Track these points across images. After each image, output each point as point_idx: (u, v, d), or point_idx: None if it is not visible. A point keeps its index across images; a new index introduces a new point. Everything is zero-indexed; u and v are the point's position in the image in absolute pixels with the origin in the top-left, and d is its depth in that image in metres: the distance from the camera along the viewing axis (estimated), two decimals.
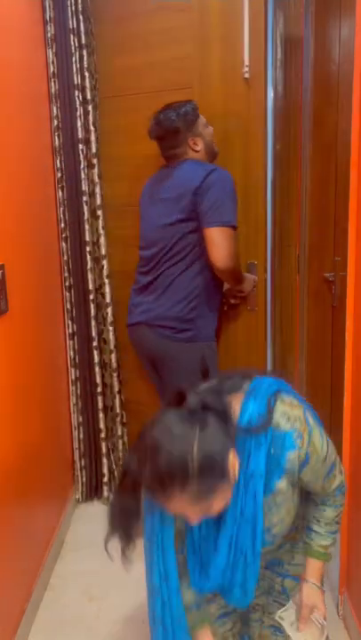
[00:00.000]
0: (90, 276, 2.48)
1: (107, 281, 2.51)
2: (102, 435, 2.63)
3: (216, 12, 2.26)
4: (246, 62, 2.21)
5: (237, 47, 2.26)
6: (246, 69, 2.22)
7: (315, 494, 1.33)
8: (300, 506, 1.30)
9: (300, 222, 2.49)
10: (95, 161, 2.43)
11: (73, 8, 2.31)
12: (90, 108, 2.39)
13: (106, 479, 2.68)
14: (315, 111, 2.31)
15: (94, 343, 2.54)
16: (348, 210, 1.75)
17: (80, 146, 2.40)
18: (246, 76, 2.23)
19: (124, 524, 1.10)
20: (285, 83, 2.49)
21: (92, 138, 2.41)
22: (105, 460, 2.66)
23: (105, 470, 2.67)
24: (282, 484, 1.18)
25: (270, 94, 2.50)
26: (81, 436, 2.63)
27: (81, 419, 2.63)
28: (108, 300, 2.53)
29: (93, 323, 2.53)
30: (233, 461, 1.07)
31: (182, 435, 1.00)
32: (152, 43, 2.36)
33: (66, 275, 2.52)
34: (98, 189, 2.44)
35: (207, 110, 2.19)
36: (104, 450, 2.65)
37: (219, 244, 1.97)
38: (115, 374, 2.60)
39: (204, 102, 2.23)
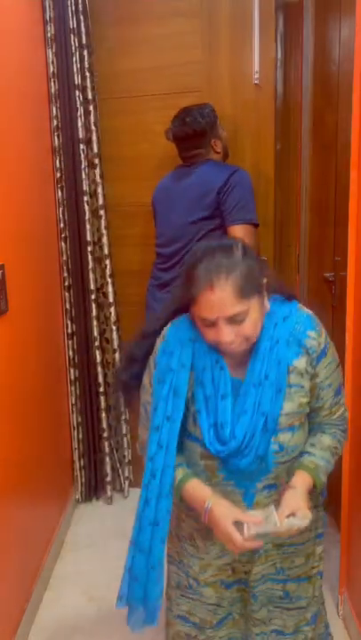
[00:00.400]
0: (91, 276, 2.48)
1: (109, 280, 2.51)
2: (105, 434, 2.63)
3: (226, 17, 2.38)
4: (256, 69, 2.37)
5: (247, 52, 2.40)
6: (256, 76, 2.37)
7: (319, 420, 1.33)
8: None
9: (301, 222, 2.49)
10: (97, 161, 2.43)
11: (73, 8, 2.31)
12: (91, 107, 2.40)
13: (109, 478, 2.68)
14: (315, 111, 2.31)
15: (96, 343, 2.54)
16: (349, 210, 1.75)
17: (81, 146, 2.40)
18: (256, 82, 2.38)
19: (128, 369, 1.32)
20: (285, 83, 2.49)
21: (94, 138, 2.41)
22: (108, 460, 2.66)
23: (108, 469, 2.67)
24: (299, 363, 1.23)
25: None
26: (80, 436, 2.63)
27: (80, 419, 2.63)
28: (110, 299, 2.53)
29: (95, 322, 2.53)
30: (264, 298, 1.21)
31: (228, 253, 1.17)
32: (161, 46, 2.44)
33: (65, 275, 2.52)
34: (100, 189, 2.44)
35: (217, 113, 2.24)
36: (107, 449, 2.65)
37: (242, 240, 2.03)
38: None
39: (214, 105, 2.33)
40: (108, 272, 2.51)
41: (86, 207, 2.44)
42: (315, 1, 2.23)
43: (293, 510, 1.18)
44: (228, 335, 1.15)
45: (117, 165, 2.55)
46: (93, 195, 2.46)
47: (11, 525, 1.85)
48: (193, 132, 2.16)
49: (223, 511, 1.19)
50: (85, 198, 2.43)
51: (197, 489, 1.25)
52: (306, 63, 2.32)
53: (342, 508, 1.93)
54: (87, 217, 2.45)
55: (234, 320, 1.15)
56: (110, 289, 2.52)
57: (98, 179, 2.44)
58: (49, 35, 2.33)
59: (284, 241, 2.64)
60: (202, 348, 1.25)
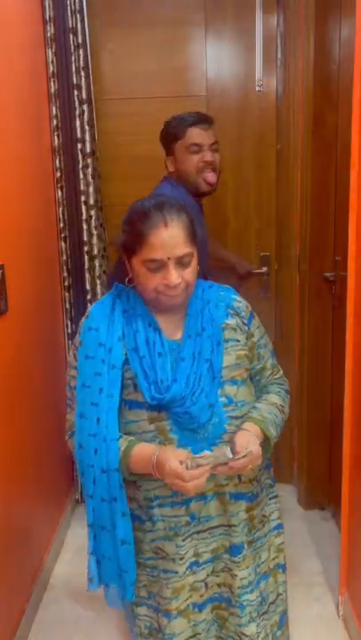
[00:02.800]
0: (87, 276, 2.49)
1: (98, 282, 2.51)
2: None
3: (228, 22, 2.50)
4: (260, 77, 2.52)
5: (248, 54, 2.52)
6: (260, 84, 2.53)
7: (264, 382, 1.40)
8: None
9: (301, 222, 2.49)
10: (90, 160, 2.43)
11: (72, 7, 2.31)
12: (91, 107, 2.40)
13: None
14: (315, 111, 2.31)
15: None
16: (349, 210, 1.75)
17: (79, 145, 2.40)
18: (259, 89, 2.53)
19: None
20: (285, 83, 2.50)
21: (88, 137, 2.41)
22: None
23: None
24: (230, 321, 1.32)
25: None
26: None
27: None
28: None
29: None
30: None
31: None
32: (164, 50, 2.52)
33: (65, 275, 2.52)
34: (92, 189, 2.44)
35: (220, 117, 2.34)
36: None
37: None
38: None
39: (217, 110, 2.49)
40: (97, 273, 2.49)
41: (83, 207, 2.44)
42: (315, 1, 2.23)
43: (245, 444, 1.19)
44: (176, 277, 1.19)
45: (118, 166, 2.58)
46: (89, 194, 2.46)
47: (11, 525, 1.85)
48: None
49: (168, 454, 1.17)
50: (83, 198, 2.43)
51: (144, 449, 1.22)
52: (306, 63, 2.32)
53: (342, 508, 1.93)
54: (84, 217, 2.45)
55: (181, 262, 1.20)
56: (99, 290, 2.52)
57: (90, 178, 2.43)
58: (49, 34, 2.33)
59: (285, 241, 2.65)
60: (133, 316, 1.28)
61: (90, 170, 2.42)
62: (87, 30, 2.35)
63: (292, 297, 2.63)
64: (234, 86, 2.56)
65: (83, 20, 2.33)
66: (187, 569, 1.29)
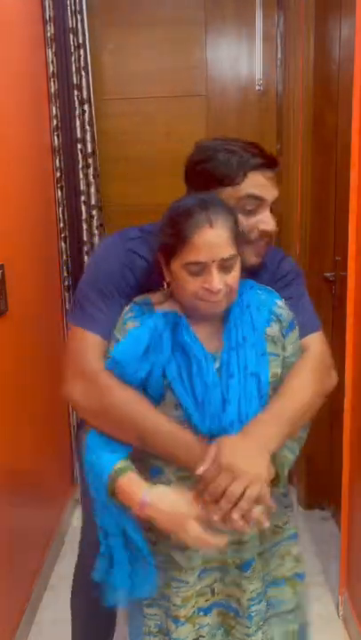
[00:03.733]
0: None
1: None
2: None
3: (229, 22, 2.50)
4: (259, 76, 2.51)
5: (248, 55, 2.53)
6: (260, 83, 2.51)
7: None
8: None
9: (301, 222, 2.49)
10: (90, 160, 2.43)
11: (72, 7, 2.31)
12: (91, 107, 2.40)
13: None
14: (315, 111, 2.31)
15: None
16: (349, 210, 1.75)
17: (79, 145, 2.40)
18: (259, 88, 2.51)
19: None
20: (285, 83, 2.50)
21: (88, 137, 2.41)
22: None
23: None
24: (272, 330, 1.20)
25: None
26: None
27: (80, 419, 2.62)
28: None
29: None
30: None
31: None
32: (164, 50, 2.52)
33: (65, 274, 2.52)
34: (93, 189, 2.44)
35: (220, 116, 2.31)
36: None
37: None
38: None
39: (217, 109, 2.50)
40: None
41: (83, 207, 2.44)
42: (315, 1, 2.23)
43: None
44: (219, 281, 1.09)
45: (118, 166, 2.58)
46: (89, 194, 2.46)
47: (11, 525, 1.85)
48: None
49: (177, 507, 1.09)
50: (83, 198, 2.44)
51: (134, 482, 1.11)
52: (306, 63, 2.32)
53: (342, 508, 1.93)
54: (84, 217, 2.45)
55: (224, 266, 1.10)
56: None
57: (91, 178, 2.44)
58: (49, 34, 2.33)
59: (285, 241, 2.65)
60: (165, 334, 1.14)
61: (90, 170, 2.43)
62: (87, 30, 2.35)
63: None
64: (234, 86, 2.56)
65: (83, 20, 2.33)
66: (196, 578, 1.24)
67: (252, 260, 1.26)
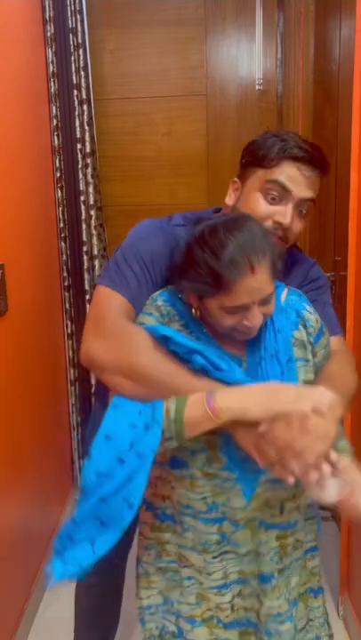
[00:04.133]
0: (86, 276, 2.49)
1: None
2: None
3: (229, 22, 2.50)
4: (260, 76, 2.50)
5: (249, 55, 2.52)
6: (260, 82, 2.50)
7: None
8: None
9: None
10: (90, 160, 2.43)
11: (72, 7, 2.31)
12: (91, 107, 2.40)
13: None
14: (315, 111, 2.31)
15: None
16: (349, 210, 1.75)
17: (78, 145, 2.40)
18: (259, 88, 2.50)
19: None
20: (285, 83, 2.50)
21: (88, 137, 2.41)
22: None
23: None
24: (300, 334, 1.13)
25: None
26: (80, 436, 2.63)
27: (80, 419, 2.63)
28: None
29: None
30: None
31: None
32: (164, 50, 2.53)
33: (65, 275, 2.52)
34: (92, 189, 2.44)
35: (220, 116, 2.31)
36: None
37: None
38: None
39: (218, 108, 2.49)
40: (96, 272, 2.50)
41: (83, 207, 2.44)
42: (315, 1, 2.23)
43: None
44: (260, 318, 1.03)
45: (118, 166, 2.58)
46: (89, 194, 2.46)
47: (11, 525, 1.85)
48: None
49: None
50: (82, 198, 2.44)
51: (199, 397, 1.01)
52: (306, 63, 2.32)
53: None
54: (84, 217, 2.45)
55: (266, 301, 1.03)
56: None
57: (90, 178, 2.44)
58: (48, 34, 2.33)
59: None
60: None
61: (89, 170, 2.43)
62: (87, 30, 2.35)
63: None
64: (234, 86, 2.56)
65: (82, 20, 2.33)
66: (213, 587, 1.17)
67: None
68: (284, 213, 1.20)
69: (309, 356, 1.13)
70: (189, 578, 1.19)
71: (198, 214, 1.23)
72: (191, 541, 1.16)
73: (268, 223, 1.20)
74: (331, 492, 0.96)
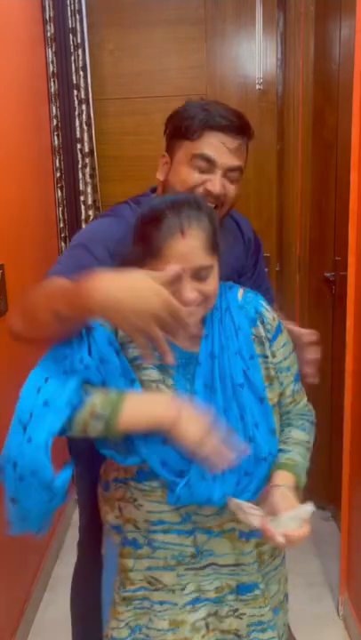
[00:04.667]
0: None
1: None
2: None
3: (229, 22, 2.50)
4: (260, 75, 2.50)
5: (249, 55, 2.52)
6: (260, 81, 2.50)
7: (284, 409, 1.17)
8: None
9: (301, 222, 2.49)
10: (88, 160, 2.43)
11: (72, 7, 2.31)
12: (90, 107, 2.40)
13: None
14: (315, 111, 2.31)
15: None
16: (349, 210, 1.75)
17: (78, 145, 2.40)
18: (259, 87, 2.50)
19: None
20: (285, 83, 2.50)
21: (86, 137, 2.41)
22: None
23: None
24: (258, 331, 1.11)
25: None
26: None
27: None
28: None
29: None
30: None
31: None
32: (164, 50, 2.52)
33: None
34: (90, 189, 2.44)
35: None
36: None
37: None
38: None
39: None
40: None
41: (82, 207, 2.45)
42: (315, 1, 2.23)
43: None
44: (191, 291, 1.00)
45: (118, 166, 2.59)
46: (88, 194, 2.46)
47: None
48: None
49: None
50: (82, 198, 2.44)
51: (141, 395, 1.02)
52: (306, 63, 2.32)
53: (342, 508, 1.93)
54: (84, 217, 2.45)
55: (199, 275, 1.01)
56: None
57: (88, 178, 2.44)
58: (49, 34, 2.34)
59: (285, 241, 2.65)
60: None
61: (88, 170, 2.43)
62: (86, 30, 2.35)
63: (292, 297, 2.63)
64: (234, 86, 2.55)
65: (82, 20, 2.33)
66: (187, 603, 1.13)
67: None
68: (214, 182, 1.23)
69: (268, 352, 1.12)
70: (161, 602, 1.13)
71: (137, 197, 1.30)
72: (163, 560, 1.12)
73: (199, 191, 1.23)
74: (251, 520, 1.00)
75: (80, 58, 2.35)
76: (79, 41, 2.34)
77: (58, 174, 2.44)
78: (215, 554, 1.12)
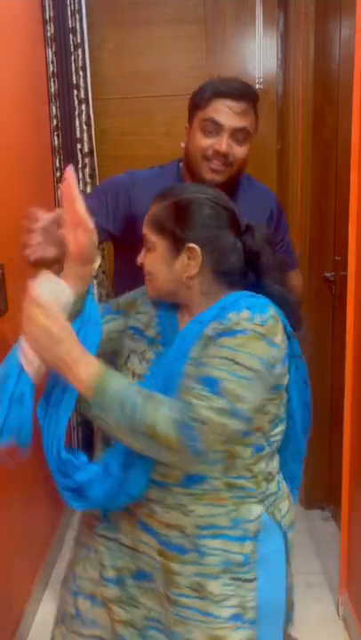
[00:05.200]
0: None
1: (95, 281, 2.51)
2: None
3: (229, 22, 2.51)
4: (260, 75, 2.51)
5: (249, 54, 2.53)
6: (260, 81, 2.50)
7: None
8: None
9: (301, 222, 2.49)
10: (87, 160, 2.43)
11: (72, 7, 2.31)
12: (90, 107, 2.41)
13: None
14: (315, 111, 2.31)
15: None
16: (349, 210, 1.75)
17: (78, 145, 2.40)
18: (260, 87, 2.48)
19: None
20: (285, 83, 2.50)
21: (86, 137, 2.41)
22: None
23: None
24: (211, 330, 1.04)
25: None
26: (80, 435, 2.63)
27: (80, 419, 2.63)
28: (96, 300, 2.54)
29: None
30: (180, 261, 1.08)
31: None
32: (164, 50, 2.53)
33: None
34: (89, 189, 2.44)
35: None
36: None
37: None
38: None
39: None
40: (93, 273, 2.50)
41: None
42: (315, 1, 2.23)
43: None
44: (142, 257, 1.17)
45: (118, 166, 2.57)
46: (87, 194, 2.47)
47: (11, 525, 1.85)
48: None
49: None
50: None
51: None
52: (306, 63, 2.32)
53: (342, 508, 1.93)
54: None
55: (148, 247, 1.15)
56: (95, 290, 2.52)
57: (88, 178, 2.44)
58: (49, 34, 2.34)
59: None
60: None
61: (87, 170, 2.43)
62: (85, 30, 2.35)
63: None
64: None
65: (82, 20, 2.33)
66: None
67: (208, 175, 1.47)
68: (220, 142, 1.43)
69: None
70: (207, 614, 1.05)
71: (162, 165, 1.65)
72: (212, 567, 1.07)
73: (209, 152, 1.45)
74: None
75: (80, 58, 2.35)
76: (79, 41, 2.34)
77: (58, 174, 2.44)
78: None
